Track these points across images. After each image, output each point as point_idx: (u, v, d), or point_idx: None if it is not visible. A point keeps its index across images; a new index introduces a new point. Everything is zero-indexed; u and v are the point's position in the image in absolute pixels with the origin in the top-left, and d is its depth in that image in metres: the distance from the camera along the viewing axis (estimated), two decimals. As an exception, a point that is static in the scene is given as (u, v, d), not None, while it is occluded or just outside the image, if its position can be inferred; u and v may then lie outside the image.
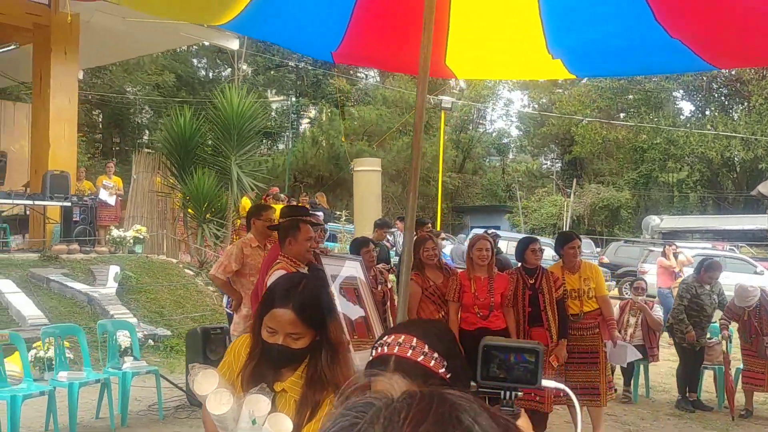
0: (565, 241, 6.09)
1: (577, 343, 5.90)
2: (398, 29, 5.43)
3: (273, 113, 32.67)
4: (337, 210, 18.53)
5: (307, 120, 34.02)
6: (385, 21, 5.53)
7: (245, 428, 1.91)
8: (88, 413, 6.38)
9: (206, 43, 19.83)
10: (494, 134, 40.16)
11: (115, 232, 11.18)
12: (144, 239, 11.36)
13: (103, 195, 13.38)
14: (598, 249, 25.04)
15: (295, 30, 5.30)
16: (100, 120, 31.03)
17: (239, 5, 4.46)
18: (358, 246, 6.46)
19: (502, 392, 1.08)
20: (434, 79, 31.88)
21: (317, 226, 5.35)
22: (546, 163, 43.48)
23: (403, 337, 1.48)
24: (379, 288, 6.24)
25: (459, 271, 6.20)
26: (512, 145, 42.45)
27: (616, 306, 8.56)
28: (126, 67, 25.17)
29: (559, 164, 42.29)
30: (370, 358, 1.50)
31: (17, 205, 11.17)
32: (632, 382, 7.89)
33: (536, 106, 40.63)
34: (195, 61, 34.71)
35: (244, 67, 32.62)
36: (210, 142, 11.98)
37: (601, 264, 21.00)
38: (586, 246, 24.25)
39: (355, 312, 5.92)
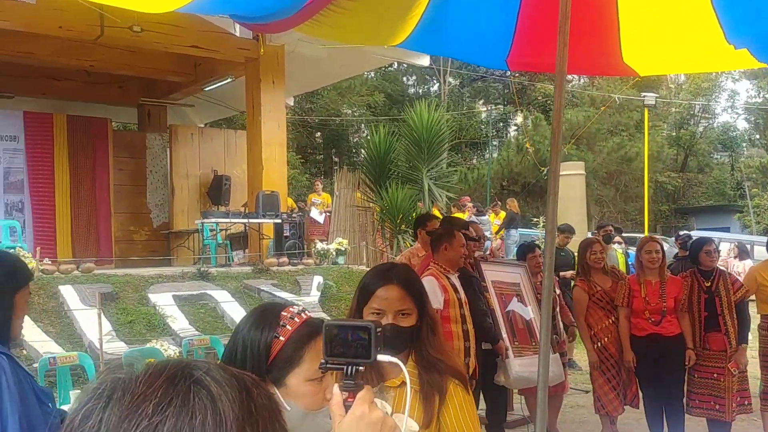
0: None
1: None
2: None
3: (481, 123, 32.95)
4: (537, 216, 18.30)
5: (514, 127, 33.91)
6: (548, 24, 5.57)
7: None
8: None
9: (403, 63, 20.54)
10: (719, 129, 37.31)
11: (319, 245, 12.02)
12: (345, 251, 12.09)
13: (314, 214, 14.37)
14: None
15: (465, 42, 5.50)
16: (321, 141, 33.12)
17: (409, 25, 4.75)
18: (524, 252, 6.49)
19: (345, 367, 1.20)
20: (648, 76, 30.44)
21: (471, 239, 5.48)
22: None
23: None
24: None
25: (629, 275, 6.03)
26: (740, 140, 39.16)
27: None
28: (339, 90, 26.72)
29: (799, 157, 38.33)
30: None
31: (234, 223, 12.37)
32: None
33: (767, 95, 37.24)
34: (405, 79, 35.96)
35: (451, 80, 33.26)
36: (403, 157, 12.49)
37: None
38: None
39: (522, 314, 5.98)
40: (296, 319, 1.53)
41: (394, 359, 1.22)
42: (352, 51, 12.61)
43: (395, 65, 32.86)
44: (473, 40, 5.27)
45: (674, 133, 34.12)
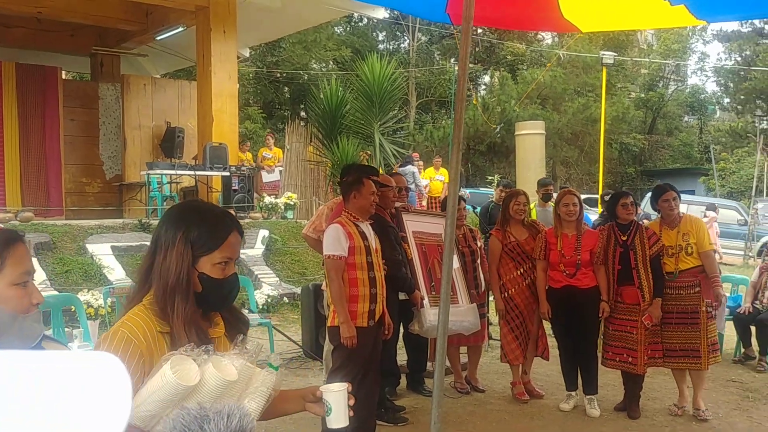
0: (658, 194, 5.71)
1: (674, 302, 5.54)
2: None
3: (449, 82, 32.74)
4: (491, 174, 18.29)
5: (483, 86, 33.74)
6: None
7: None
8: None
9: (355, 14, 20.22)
10: (688, 91, 37.39)
11: (267, 199, 11.93)
12: (295, 205, 12.02)
13: (265, 176, 14.26)
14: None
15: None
16: (288, 96, 32.69)
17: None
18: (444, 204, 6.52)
19: None
20: (617, 36, 30.30)
21: (381, 185, 5.41)
22: (753, 121, 39.85)
23: None
24: (469, 246, 6.21)
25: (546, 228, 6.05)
26: (708, 103, 39.32)
27: (756, 269, 7.93)
28: (304, 44, 26.32)
29: (766, 122, 38.59)
30: None
31: (180, 175, 12.22)
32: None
33: (738, 58, 37.35)
34: (375, 34, 35.53)
35: (421, 36, 32.93)
36: (355, 111, 12.32)
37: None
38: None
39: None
40: None
41: None
42: (304, 2, 12.44)
43: (364, 20, 32.48)
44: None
45: (643, 95, 34.14)
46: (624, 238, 5.60)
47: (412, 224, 5.85)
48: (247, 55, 16.69)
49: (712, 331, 5.52)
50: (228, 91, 12.90)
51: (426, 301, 5.49)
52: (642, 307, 5.47)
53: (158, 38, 14.50)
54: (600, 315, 5.59)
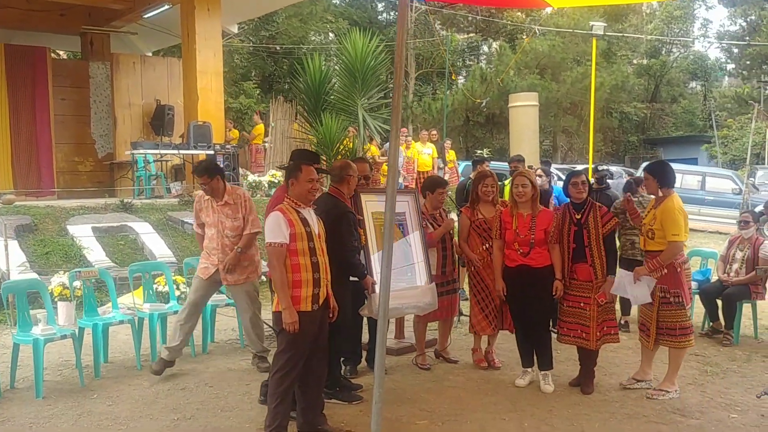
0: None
1: (636, 281, 5.66)
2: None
3: (450, 53, 32.47)
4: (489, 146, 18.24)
5: (483, 56, 33.47)
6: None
7: None
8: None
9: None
10: (690, 58, 36.97)
11: (250, 177, 11.99)
12: (279, 183, 12.06)
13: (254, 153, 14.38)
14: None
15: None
16: (286, 70, 32.58)
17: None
18: (434, 185, 6.52)
19: None
20: (610, 6, 29.82)
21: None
22: (759, 87, 39.36)
23: None
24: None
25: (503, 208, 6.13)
26: (712, 70, 38.86)
27: (725, 242, 8.00)
28: (300, 17, 26.16)
29: (771, 87, 38.10)
30: None
31: (164, 154, 12.30)
32: (735, 322, 7.29)
33: (743, 24, 36.86)
34: (374, 5, 35.28)
35: (420, 6, 32.65)
36: (339, 87, 12.27)
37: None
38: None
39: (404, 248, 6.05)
40: None
41: None
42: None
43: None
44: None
45: (645, 62, 33.78)
46: (578, 217, 5.66)
47: (371, 204, 5.88)
48: (236, 30, 16.67)
49: (671, 317, 5.52)
50: (213, 69, 12.93)
51: (377, 286, 5.55)
52: (595, 285, 5.56)
53: (145, 16, 14.52)
54: (554, 293, 5.66)
